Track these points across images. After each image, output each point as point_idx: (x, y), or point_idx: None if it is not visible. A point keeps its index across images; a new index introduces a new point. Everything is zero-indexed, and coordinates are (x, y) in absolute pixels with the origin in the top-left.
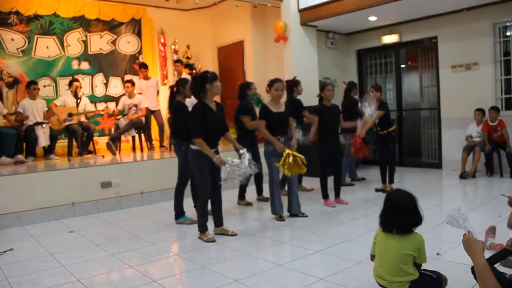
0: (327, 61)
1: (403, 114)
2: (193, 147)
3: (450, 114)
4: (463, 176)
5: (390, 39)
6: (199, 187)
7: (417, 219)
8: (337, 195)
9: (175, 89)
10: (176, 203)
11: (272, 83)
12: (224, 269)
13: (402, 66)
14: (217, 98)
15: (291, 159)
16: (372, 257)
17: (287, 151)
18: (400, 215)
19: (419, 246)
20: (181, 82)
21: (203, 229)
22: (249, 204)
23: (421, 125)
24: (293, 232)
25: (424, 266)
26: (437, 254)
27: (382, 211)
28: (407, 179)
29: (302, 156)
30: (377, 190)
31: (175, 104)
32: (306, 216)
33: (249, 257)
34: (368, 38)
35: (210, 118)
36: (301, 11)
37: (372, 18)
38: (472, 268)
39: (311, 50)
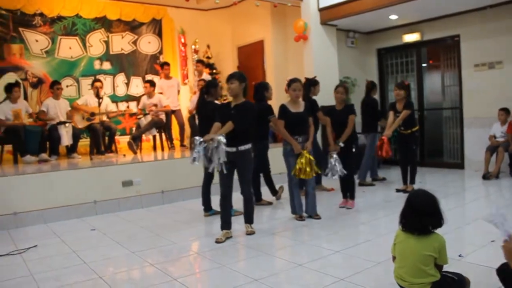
0: (347, 61)
1: (425, 114)
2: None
3: (472, 114)
4: (486, 176)
5: (411, 37)
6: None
7: (438, 220)
8: (344, 195)
9: (205, 90)
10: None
11: (290, 83)
12: (244, 268)
13: (424, 65)
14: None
15: (303, 160)
16: (393, 258)
17: (303, 153)
18: (421, 216)
19: (439, 247)
20: (212, 84)
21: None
22: (269, 203)
23: (443, 124)
24: (313, 232)
25: (446, 268)
26: (460, 256)
27: (403, 211)
28: (429, 180)
29: (312, 158)
30: (397, 190)
31: (209, 104)
32: (320, 218)
33: (269, 256)
34: (388, 37)
35: None
36: (321, 10)
37: (393, 17)
38: (498, 270)
39: (331, 50)
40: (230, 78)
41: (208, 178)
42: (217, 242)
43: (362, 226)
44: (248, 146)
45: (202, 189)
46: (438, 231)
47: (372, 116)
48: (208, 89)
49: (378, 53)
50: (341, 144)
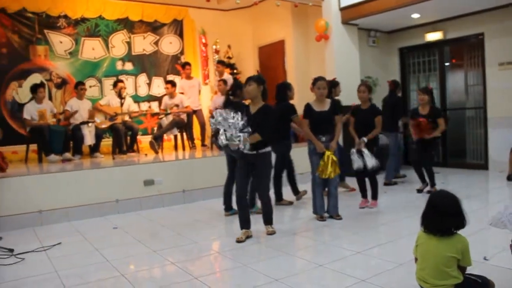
0: (369, 60)
1: (447, 114)
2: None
3: (497, 113)
4: (510, 178)
5: (433, 36)
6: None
7: (461, 221)
8: (364, 195)
9: (230, 92)
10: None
11: (315, 81)
12: (265, 268)
13: (446, 64)
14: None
15: (326, 160)
16: (415, 260)
17: (327, 152)
18: (443, 217)
19: (462, 249)
20: (238, 85)
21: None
22: (290, 203)
23: (466, 124)
24: (334, 232)
25: (470, 271)
26: (485, 258)
27: (424, 212)
28: (451, 181)
29: (335, 158)
30: (418, 191)
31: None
32: (341, 218)
33: (290, 256)
34: (410, 36)
35: None
36: (342, 9)
37: (415, 16)
38: None
39: (353, 49)
40: (248, 80)
41: (231, 177)
42: (238, 241)
43: (383, 227)
44: (268, 149)
45: (224, 188)
46: (461, 232)
47: (395, 115)
48: (234, 90)
49: (400, 52)
50: (365, 139)
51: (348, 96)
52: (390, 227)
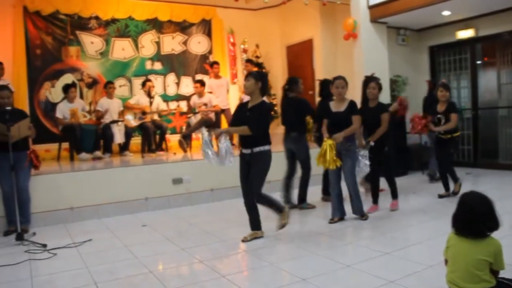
0: (398, 59)
1: (479, 113)
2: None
3: None
4: None
5: (465, 34)
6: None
7: (493, 224)
8: (375, 201)
9: (287, 87)
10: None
11: (333, 80)
12: (292, 268)
13: (478, 62)
14: None
15: (324, 147)
16: (445, 262)
17: (327, 141)
18: (474, 218)
19: (495, 252)
20: (294, 81)
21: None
22: (313, 207)
23: (498, 124)
24: (361, 233)
25: (503, 274)
26: None
27: (456, 213)
28: (483, 181)
29: (333, 148)
30: (440, 196)
31: (293, 99)
32: (366, 218)
33: (317, 256)
34: (441, 33)
35: None
36: (371, 7)
37: (446, 13)
38: None
39: (382, 48)
40: (247, 76)
41: (291, 172)
42: (243, 241)
43: (411, 228)
44: (265, 148)
45: (283, 181)
46: (494, 235)
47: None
48: (290, 85)
49: (430, 51)
50: (371, 143)
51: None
52: (418, 228)
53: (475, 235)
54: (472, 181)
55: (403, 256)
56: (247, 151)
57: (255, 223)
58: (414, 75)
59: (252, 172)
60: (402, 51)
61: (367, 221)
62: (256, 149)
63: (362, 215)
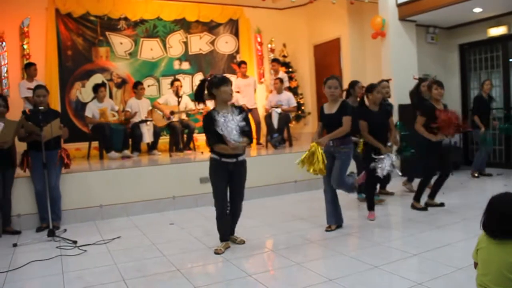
0: (427, 57)
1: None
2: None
3: None
4: None
5: (497, 31)
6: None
7: None
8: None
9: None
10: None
11: (325, 80)
12: (319, 268)
13: (511, 60)
14: None
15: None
16: (475, 265)
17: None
18: (506, 220)
19: None
20: (351, 85)
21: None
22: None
23: None
24: (389, 234)
25: None
26: None
27: (486, 215)
28: None
29: (319, 153)
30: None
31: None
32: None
33: (344, 256)
34: (472, 31)
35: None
36: (399, 5)
37: (477, 10)
38: None
39: (410, 46)
40: (227, 81)
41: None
42: (216, 253)
43: (440, 229)
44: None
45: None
46: None
47: (474, 112)
48: (348, 90)
49: (460, 49)
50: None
51: (404, 96)
52: (447, 229)
53: (507, 237)
54: (504, 181)
55: (432, 257)
56: (230, 160)
57: (227, 234)
58: (443, 74)
59: (239, 182)
60: (431, 50)
61: (395, 222)
62: (241, 158)
63: (354, 188)
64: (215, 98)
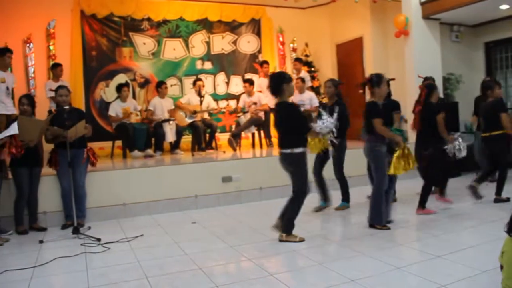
0: (452, 56)
1: None
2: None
3: None
4: None
5: None
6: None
7: None
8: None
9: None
10: None
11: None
12: (341, 268)
13: None
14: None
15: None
16: (501, 268)
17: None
18: None
19: None
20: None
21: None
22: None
23: None
24: (412, 235)
25: None
26: None
27: (511, 218)
28: None
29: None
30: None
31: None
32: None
33: (366, 257)
34: (498, 29)
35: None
36: (423, 3)
37: (504, 7)
38: None
39: (434, 45)
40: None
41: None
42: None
43: (464, 231)
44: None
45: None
46: None
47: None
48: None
49: (486, 47)
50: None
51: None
52: (472, 231)
53: None
54: None
55: (456, 260)
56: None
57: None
58: (468, 73)
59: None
60: (455, 48)
61: (418, 223)
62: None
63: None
64: (280, 94)
